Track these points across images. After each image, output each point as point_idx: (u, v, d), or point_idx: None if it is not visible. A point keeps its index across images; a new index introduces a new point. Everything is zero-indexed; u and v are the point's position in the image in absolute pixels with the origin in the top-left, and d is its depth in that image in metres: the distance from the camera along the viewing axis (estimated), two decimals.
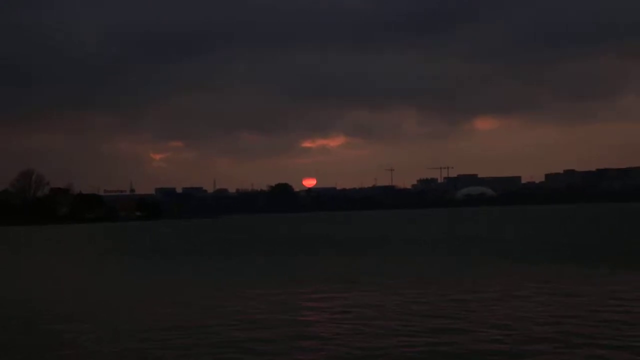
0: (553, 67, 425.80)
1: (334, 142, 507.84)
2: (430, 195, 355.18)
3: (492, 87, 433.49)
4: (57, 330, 22.23)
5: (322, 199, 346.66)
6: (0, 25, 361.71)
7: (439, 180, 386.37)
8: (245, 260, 50.70)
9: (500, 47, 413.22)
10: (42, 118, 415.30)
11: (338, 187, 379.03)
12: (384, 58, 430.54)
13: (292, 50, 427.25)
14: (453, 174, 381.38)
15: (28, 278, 42.32)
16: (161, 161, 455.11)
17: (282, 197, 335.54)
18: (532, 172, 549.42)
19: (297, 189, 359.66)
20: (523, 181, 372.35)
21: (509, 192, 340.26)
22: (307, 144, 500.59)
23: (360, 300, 26.65)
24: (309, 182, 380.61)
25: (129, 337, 20.58)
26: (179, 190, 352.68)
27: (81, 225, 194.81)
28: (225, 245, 71.85)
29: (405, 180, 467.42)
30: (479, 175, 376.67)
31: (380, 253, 53.28)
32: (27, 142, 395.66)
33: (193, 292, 31.70)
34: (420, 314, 23.10)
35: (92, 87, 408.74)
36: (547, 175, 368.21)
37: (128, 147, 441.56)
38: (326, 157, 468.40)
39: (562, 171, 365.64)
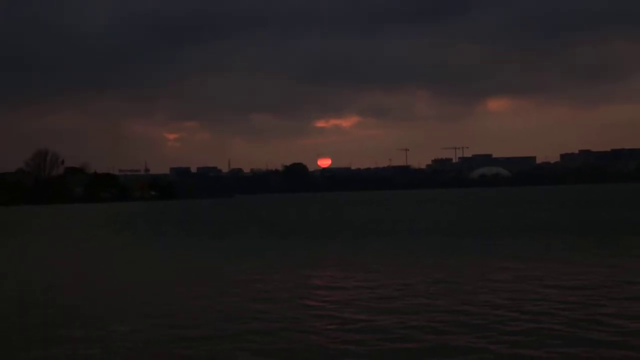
0: (566, 49, 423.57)
1: (348, 122, 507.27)
2: (445, 176, 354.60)
3: (505, 69, 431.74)
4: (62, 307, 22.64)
5: (337, 179, 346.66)
6: (15, 9, 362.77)
7: (454, 161, 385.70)
8: (247, 242, 51.12)
9: (513, 28, 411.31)
10: (57, 99, 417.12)
11: (353, 167, 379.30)
12: (396, 40, 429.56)
13: (305, 33, 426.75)
14: (468, 154, 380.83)
15: (34, 258, 42.80)
16: (175, 141, 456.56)
17: (296, 176, 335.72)
18: (547, 152, 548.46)
19: (311, 169, 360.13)
20: (538, 161, 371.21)
21: (524, 172, 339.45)
22: (320, 124, 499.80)
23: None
24: (324, 162, 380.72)
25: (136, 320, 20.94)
26: (193, 169, 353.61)
27: (95, 204, 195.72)
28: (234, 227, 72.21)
29: (420, 160, 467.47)
30: (494, 155, 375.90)
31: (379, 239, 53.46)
32: (42, 123, 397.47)
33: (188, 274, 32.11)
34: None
35: (106, 68, 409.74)
36: (562, 155, 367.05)
37: (142, 127, 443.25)
38: (340, 137, 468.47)
39: (577, 151, 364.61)
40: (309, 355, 16.23)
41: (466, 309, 20.67)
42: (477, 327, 18.15)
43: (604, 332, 17.30)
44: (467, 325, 18.50)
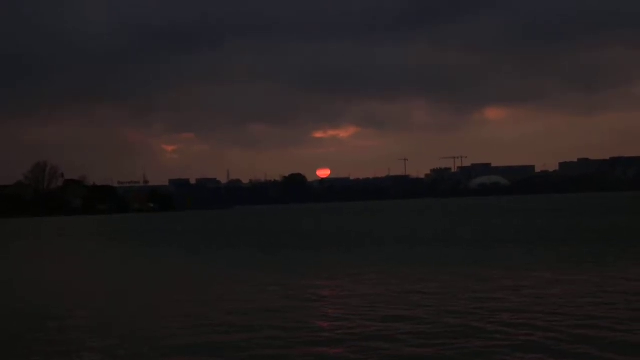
0: (564, 57, 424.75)
1: (345, 132, 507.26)
2: (444, 185, 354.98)
3: (503, 77, 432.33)
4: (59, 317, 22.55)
5: (336, 189, 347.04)
6: (13, 18, 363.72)
7: (453, 170, 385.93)
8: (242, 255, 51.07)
9: (511, 36, 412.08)
10: (55, 111, 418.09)
11: (352, 178, 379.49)
12: (393, 49, 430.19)
13: (302, 43, 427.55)
14: (467, 163, 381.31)
15: (31, 270, 42.74)
16: (173, 153, 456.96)
17: (295, 187, 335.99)
18: (545, 161, 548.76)
19: (310, 179, 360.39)
20: (537, 170, 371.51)
21: (523, 181, 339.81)
22: (318, 135, 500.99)
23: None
24: (323, 173, 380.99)
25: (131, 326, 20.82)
26: (192, 181, 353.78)
27: (94, 217, 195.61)
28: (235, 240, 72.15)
29: (419, 170, 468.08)
30: (493, 164, 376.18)
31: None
32: (41, 135, 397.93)
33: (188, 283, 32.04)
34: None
35: (104, 80, 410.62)
36: (561, 164, 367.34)
37: (141, 138, 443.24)
38: (338, 147, 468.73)
39: (576, 160, 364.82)
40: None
41: (441, 317, 20.60)
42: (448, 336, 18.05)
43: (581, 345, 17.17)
44: (442, 334, 18.41)
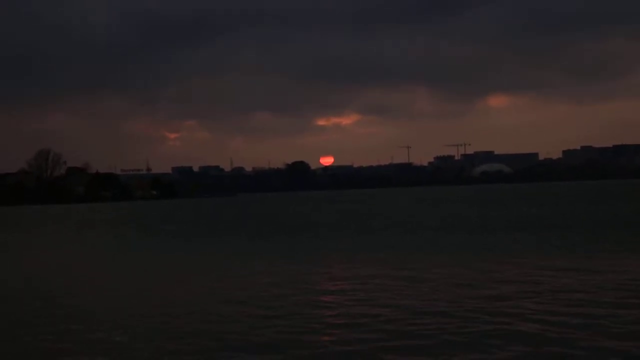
0: (567, 46, 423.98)
1: (348, 120, 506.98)
2: (448, 173, 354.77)
3: (506, 66, 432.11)
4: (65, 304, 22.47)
5: (339, 177, 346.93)
6: (17, 9, 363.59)
7: (456, 157, 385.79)
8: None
9: (514, 25, 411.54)
10: (59, 99, 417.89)
11: (355, 165, 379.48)
12: (396, 38, 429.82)
13: (305, 31, 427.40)
14: (470, 150, 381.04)
15: (31, 258, 42.72)
16: (176, 140, 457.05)
17: (298, 175, 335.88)
18: (549, 149, 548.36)
19: (313, 167, 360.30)
20: (540, 158, 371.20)
21: (526, 169, 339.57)
22: (321, 122, 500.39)
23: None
24: (326, 160, 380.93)
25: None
26: (195, 168, 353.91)
27: (96, 204, 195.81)
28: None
29: (422, 158, 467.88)
30: (496, 152, 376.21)
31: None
32: (44, 123, 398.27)
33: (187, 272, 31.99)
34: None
35: (107, 68, 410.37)
36: (564, 152, 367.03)
37: (144, 126, 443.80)
38: (341, 135, 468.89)
39: (579, 147, 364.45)
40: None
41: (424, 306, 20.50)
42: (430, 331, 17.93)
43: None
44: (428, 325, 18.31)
